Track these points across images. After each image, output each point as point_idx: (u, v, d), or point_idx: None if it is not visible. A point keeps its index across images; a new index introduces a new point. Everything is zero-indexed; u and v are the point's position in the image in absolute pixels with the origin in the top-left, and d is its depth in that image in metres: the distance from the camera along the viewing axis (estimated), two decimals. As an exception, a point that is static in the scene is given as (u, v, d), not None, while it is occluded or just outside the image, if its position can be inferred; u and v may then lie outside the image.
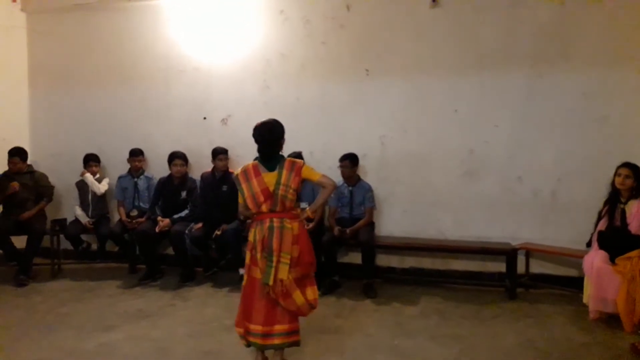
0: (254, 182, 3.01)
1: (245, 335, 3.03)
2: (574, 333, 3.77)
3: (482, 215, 5.08)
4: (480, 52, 5.03)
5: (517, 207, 4.97)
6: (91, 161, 5.62)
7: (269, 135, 3.03)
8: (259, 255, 2.97)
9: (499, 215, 5.03)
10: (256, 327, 2.98)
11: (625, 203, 4.15)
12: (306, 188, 4.86)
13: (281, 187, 2.97)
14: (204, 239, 5.10)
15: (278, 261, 2.92)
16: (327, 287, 4.79)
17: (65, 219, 5.64)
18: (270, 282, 2.89)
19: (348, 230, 4.84)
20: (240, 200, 3.11)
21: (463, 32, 5.06)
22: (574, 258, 4.52)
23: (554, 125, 4.88)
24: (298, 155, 5.04)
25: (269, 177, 3.00)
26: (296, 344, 3.06)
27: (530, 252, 4.87)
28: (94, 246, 5.70)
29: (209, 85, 5.74)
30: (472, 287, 4.93)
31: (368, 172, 5.34)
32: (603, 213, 4.26)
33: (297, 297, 2.96)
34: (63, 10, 6.07)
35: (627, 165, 4.12)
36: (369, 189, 5.10)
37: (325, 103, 5.45)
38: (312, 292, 3.07)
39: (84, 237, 5.57)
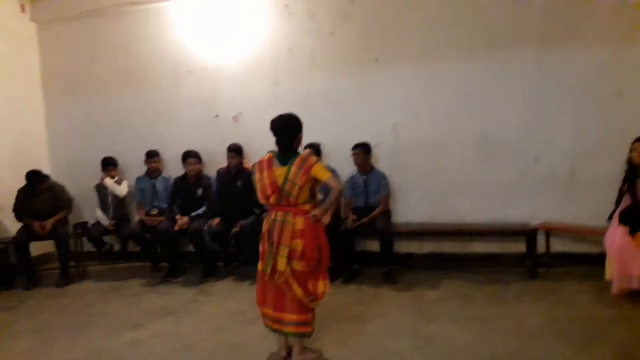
0: (265, 174, 3.05)
1: (263, 318, 3.18)
2: (598, 310, 3.75)
3: (499, 197, 5.06)
4: (489, 34, 5.00)
5: (535, 187, 4.95)
6: (110, 165, 5.70)
7: (283, 127, 3.05)
8: (265, 245, 3.08)
9: (517, 196, 5.01)
10: (269, 311, 3.11)
11: (645, 177, 4.10)
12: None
13: (288, 182, 2.99)
14: (223, 234, 5.16)
15: (277, 253, 2.98)
16: (347, 276, 4.84)
17: (86, 222, 5.76)
18: (268, 272, 2.99)
19: (365, 220, 4.85)
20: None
21: (471, 15, 5.03)
22: (595, 235, 4.48)
23: (567, 103, 4.84)
24: (316, 146, 5.09)
25: (279, 172, 3.02)
26: (306, 335, 3.10)
27: (549, 231, 4.84)
28: (117, 247, 5.81)
29: (219, 83, 5.78)
30: (493, 269, 4.92)
31: (382, 161, 5.34)
32: (624, 190, 4.20)
33: (296, 289, 3.00)
34: (71, 17, 6.14)
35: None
36: (383, 177, 5.11)
37: (336, 94, 5.46)
38: (321, 285, 3.11)
39: (106, 238, 5.67)
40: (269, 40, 5.61)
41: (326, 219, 4.83)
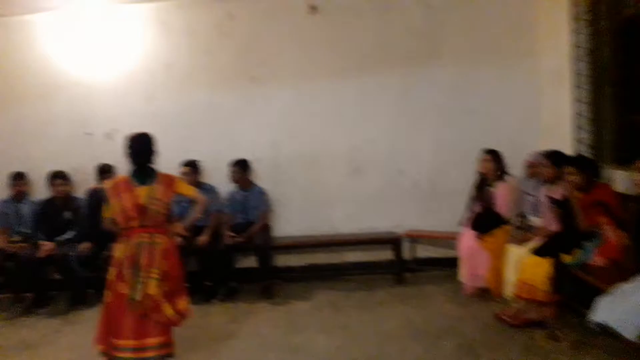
0: (125, 196, 2.99)
1: (111, 351, 3.01)
2: (450, 309, 4.11)
3: (370, 208, 5.36)
4: (358, 56, 5.31)
5: (400, 197, 5.31)
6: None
7: (142, 147, 3.03)
8: (126, 272, 2.96)
9: (385, 206, 5.34)
10: (126, 342, 2.97)
11: (492, 186, 4.56)
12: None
13: (154, 201, 2.98)
14: (94, 259, 4.92)
15: (147, 277, 2.93)
16: (225, 294, 4.82)
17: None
18: (138, 298, 2.90)
19: (242, 236, 4.89)
20: (106, 214, 3.07)
21: (341, 38, 5.31)
22: (453, 240, 4.89)
23: (428, 120, 5.28)
24: (194, 164, 5.07)
25: (141, 192, 2.99)
26: (170, 355, 3.09)
27: (414, 238, 5.21)
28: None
29: (92, 98, 5.55)
30: (366, 277, 5.18)
31: (262, 177, 5.42)
32: (474, 198, 4.65)
33: (167, 309, 3.00)
34: None
35: (487, 151, 4.53)
36: (262, 193, 5.20)
37: (215, 111, 5.47)
38: (182, 303, 3.12)
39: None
40: (145, 55, 5.50)
41: (204, 237, 4.88)
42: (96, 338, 3.07)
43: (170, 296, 3.03)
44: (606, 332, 2.59)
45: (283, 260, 5.45)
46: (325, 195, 5.41)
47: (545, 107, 4.98)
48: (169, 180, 3.06)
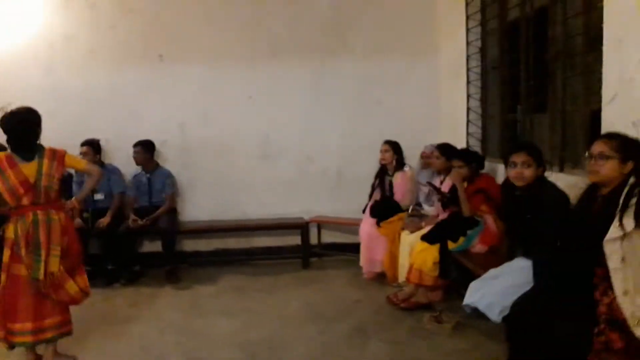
0: (10, 173, 2.84)
1: (8, 337, 2.90)
2: (349, 292, 4.32)
3: (280, 194, 5.44)
4: (270, 43, 5.32)
5: (310, 185, 5.44)
6: None
7: (21, 125, 2.88)
8: (22, 251, 2.85)
9: (295, 193, 5.44)
10: (24, 325, 2.88)
11: (392, 175, 4.80)
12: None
13: (44, 177, 2.87)
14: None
15: (47, 254, 2.85)
16: (128, 278, 4.72)
17: None
18: (41, 277, 2.82)
19: (146, 220, 4.79)
20: None
21: (253, 22, 5.29)
22: (356, 227, 5.10)
23: (337, 110, 5.42)
24: (95, 142, 4.87)
25: (28, 168, 2.87)
26: (69, 333, 3.05)
27: (320, 224, 5.39)
28: None
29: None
30: (274, 262, 5.30)
31: (169, 159, 5.33)
32: (375, 185, 4.87)
33: (71, 287, 2.95)
34: None
35: (386, 142, 4.75)
36: (168, 175, 5.11)
37: (119, 89, 5.26)
38: (82, 280, 3.08)
39: None
40: (44, 26, 5.16)
41: (106, 219, 4.73)
42: None
43: (71, 273, 2.98)
44: (479, 314, 2.85)
45: (191, 245, 5.43)
46: (235, 181, 5.42)
47: (444, 102, 5.30)
48: (57, 154, 2.95)
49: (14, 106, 2.98)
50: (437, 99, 5.36)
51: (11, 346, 2.93)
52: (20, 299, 2.89)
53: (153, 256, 5.14)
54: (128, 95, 5.29)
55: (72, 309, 3.12)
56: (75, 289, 2.99)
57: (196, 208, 5.42)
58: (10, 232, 2.91)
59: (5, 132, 2.89)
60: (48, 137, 3.13)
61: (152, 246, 5.27)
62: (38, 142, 2.98)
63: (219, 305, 4.08)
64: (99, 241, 4.82)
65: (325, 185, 5.45)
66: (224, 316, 3.84)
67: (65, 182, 4.45)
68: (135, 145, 4.97)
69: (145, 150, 4.98)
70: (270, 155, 5.42)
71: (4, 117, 2.89)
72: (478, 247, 3.67)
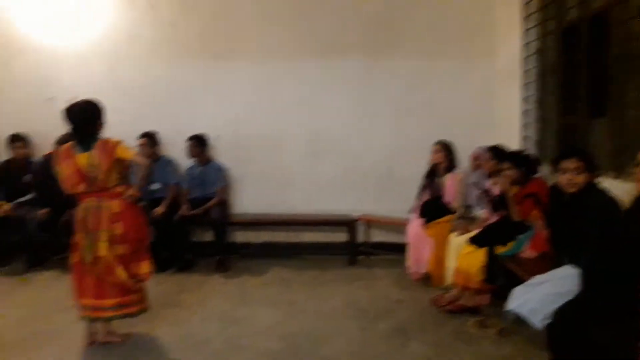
0: (67, 163, 3.06)
1: (80, 311, 3.17)
2: (393, 292, 4.30)
3: (328, 191, 5.50)
4: (319, 41, 5.38)
5: (358, 183, 5.46)
6: None
7: (80, 116, 3.07)
8: (78, 236, 3.07)
9: (343, 190, 5.48)
10: (87, 301, 3.11)
11: (442, 176, 4.73)
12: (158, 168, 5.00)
13: (93, 167, 3.04)
14: (51, 223, 4.96)
15: (96, 239, 3.02)
16: (180, 266, 4.93)
17: None
18: (90, 259, 3.01)
19: (199, 210, 4.99)
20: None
21: (305, 20, 5.36)
22: (404, 226, 5.07)
23: (387, 108, 5.40)
24: (151, 135, 5.12)
25: (82, 159, 3.05)
26: (131, 315, 3.23)
27: (368, 222, 5.39)
28: None
29: (54, 65, 5.51)
30: (321, 257, 5.35)
31: (222, 153, 5.50)
32: (423, 185, 4.82)
33: (120, 273, 3.10)
34: None
35: (438, 142, 4.68)
36: (219, 169, 5.28)
37: (176, 85, 5.49)
38: (145, 266, 3.24)
39: None
40: (109, 25, 5.47)
41: (161, 209, 4.96)
42: (73, 298, 3.20)
43: (127, 260, 3.13)
44: (524, 320, 2.77)
45: (241, 237, 5.58)
46: (284, 176, 5.53)
47: (499, 104, 5.16)
48: (108, 145, 3.08)
49: (79, 99, 3.16)
50: (492, 101, 5.22)
51: (89, 318, 3.18)
52: (85, 277, 3.12)
53: (205, 246, 5.33)
54: (185, 91, 5.50)
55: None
56: (124, 275, 3.12)
57: (247, 201, 5.57)
58: (76, 215, 3.14)
59: (68, 121, 3.07)
60: (111, 130, 3.32)
61: (205, 236, 5.47)
62: (99, 133, 3.15)
63: (264, 296, 4.19)
64: (154, 229, 5.04)
65: (374, 184, 5.45)
66: (268, 307, 3.93)
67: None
68: (189, 139, 5.17)
69: (198, 144, 5.17)
70: (320, 152, 5.48)
71: (66, 108, 3.08)
72: (528, 252, 3.56)
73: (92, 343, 3.21)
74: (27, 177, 5.15)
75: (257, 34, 5.38)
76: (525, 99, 4.54)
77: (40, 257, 5.03)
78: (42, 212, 4.97)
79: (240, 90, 5.46)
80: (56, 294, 4.17)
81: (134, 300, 3.23)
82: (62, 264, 4.98)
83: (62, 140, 5.10)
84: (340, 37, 5.34)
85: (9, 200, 5.04)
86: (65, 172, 3.05)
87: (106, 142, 3.10)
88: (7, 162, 5.19)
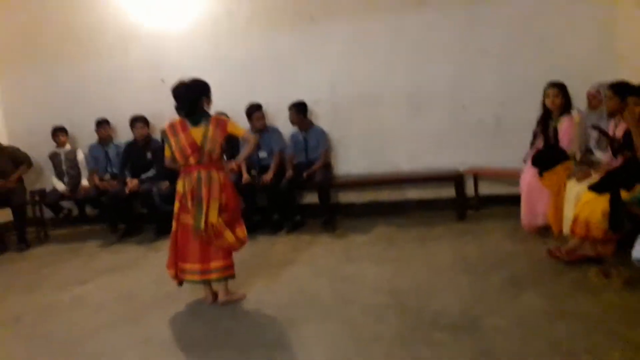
0: (182, 136, 3.28)
1: (180, 274, 3.42)
2: (506, 245, 4.10)
3: (432, 146, 5.35)
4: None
5: (464, 134, 5.24)
6: (58, 132, 5.89)
7: (185, 94, 3.25)
8: (189, 204, 3.28)
9: (448, 144, 5.30)
10: (193, 266, 3.36)
11: (556, 120, 4.34)
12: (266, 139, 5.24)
13: (208, 141, 3.25)
14: (172, 195, 5.40)
15: (208, 207, 3.25)
16: (291, 227, 5.15)
17: (44, 189, 5.98)
18: (202, 226, 3.23)
19: (305, 174, 5.13)
20: (167, 153, 3.40)
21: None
22: (516, 177, 4.76)
23: (493, 53, 5.08)
24: (257, 106, 5.35)
25: (196, 132, 3.26)
26: (231, 276, 3.45)
27: (476, 175, 5.16)
28: (75, 212, 6.08)
29: (163, 48, 5.90)
30: (427, 214, 5.26)
31: (322, 117, 5.57)
32: (537, 133, 4.46)
33: (228, 236, 3.32)
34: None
35: (553, 85, 4.24)
36: (322, 133, 5.36)
37: (275, 54, 5.62)
38: (241, 230, 3.44)
39: (66, 204, 5.94)
40: (208, 4, 5.72)
41: (268, 175, 5.17)
42: (167, 264, 3.47)
43: (229, 225, 3.36)
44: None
45: (345, 197, 5.66)
46: (386, 134, 5.47)
47: (622, 35, 4.57)
48: (221, 122, 3.31)
49: (185, 78, 3.33)
50: (612, 32, 4.65)
51: (180, 283, 3.47)
52: (189, 243, 3.36)
53: (312, 207, 5.50)
54: (283, 59, 5.61)
55: (242, 253, 3.54)
56: (232, 237, 3.34)
57: (349, 162, 5.61)
58: (180, 186, 3.37)
59: (175, 99, 3.29)
60: (216, 105, 3.51)
61: (312, 198, 5.62)
62: (207, 109, 3.35)
63: (370, 254, 4.23)
64: (265, 195, 5.30)
65: (482, 135, 5.19)
66: (374, 264, 3.97)
67: (233, 144, 4.98)
68: (289, 108, 5.29)
69: (298, 111, 5.28)
70: (422, 107, 5.31)
71: (175, 86, 3.28)
72: (659, 196, 3.18)
73: (213, 302, 3.47)
74: (149, 154, 5.64)
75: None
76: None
77: (166, 226, 5.51)
78: (163, 184, 5.43)
79: (336, 51, 5.45)
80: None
81: (233, 262, 3.45)
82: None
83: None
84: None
85: (135, 176, 5.58)
86: (181, 142, 3.27)
87: (219, 118, 3.34)
88: (131, 142, 5.71)
